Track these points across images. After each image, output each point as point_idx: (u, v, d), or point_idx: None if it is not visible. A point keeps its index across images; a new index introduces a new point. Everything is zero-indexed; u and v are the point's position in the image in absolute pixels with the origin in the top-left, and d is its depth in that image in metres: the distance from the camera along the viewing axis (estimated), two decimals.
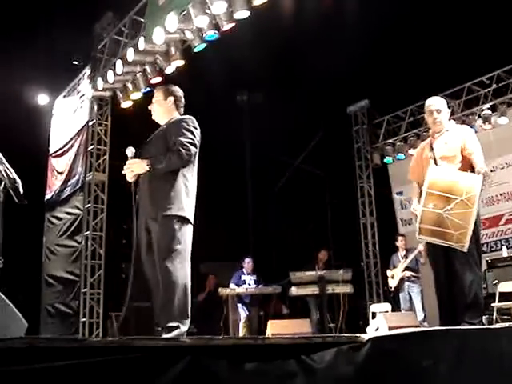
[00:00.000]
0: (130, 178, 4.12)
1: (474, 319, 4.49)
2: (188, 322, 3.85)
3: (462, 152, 4.65)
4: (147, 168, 3.97)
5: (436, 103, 4.93)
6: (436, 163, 4.68)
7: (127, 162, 4.09)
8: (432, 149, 4.82)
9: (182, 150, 3.94)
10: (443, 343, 3.16)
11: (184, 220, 3.97)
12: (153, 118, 4.40)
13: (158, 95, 4.38)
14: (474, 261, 4.61)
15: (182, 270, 3.88)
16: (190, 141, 4.00)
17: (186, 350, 2.06)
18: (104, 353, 1.81)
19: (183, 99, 4.41)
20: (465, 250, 4.28)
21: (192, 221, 4.05)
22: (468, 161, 4.60)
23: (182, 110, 4.38)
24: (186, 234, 3.98)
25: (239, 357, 2.21)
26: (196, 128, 4.12)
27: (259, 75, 10.58)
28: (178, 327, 3.70)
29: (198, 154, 4.15)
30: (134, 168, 4.05)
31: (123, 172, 4.16)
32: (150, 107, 4.40)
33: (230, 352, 2.19)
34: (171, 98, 4.32)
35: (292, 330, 7.15)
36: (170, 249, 3.85)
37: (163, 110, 4.33)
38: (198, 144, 4.08)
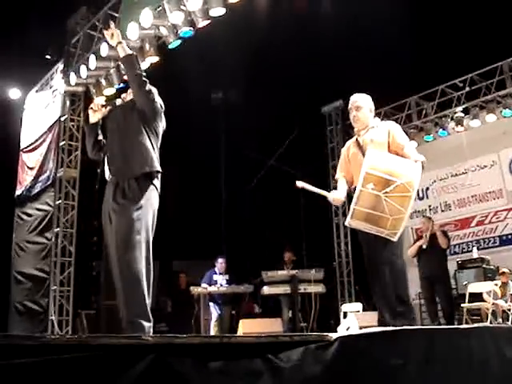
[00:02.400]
0: (94, 117, 4.22)
1: (408, 314, 4.39)
2: (150, 317, 3.72)
3: (388, 147, 4.53)
4: (127, 50, 4.12)
5: (355, 100, 4.80)
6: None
7: None
8: (359, 144, 4.72)
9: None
10: (411, 342, 3.17)
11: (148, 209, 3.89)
12: None
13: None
14: (400, 251, 4.54)
15: (142, 262, 3.73)
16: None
17: (149, 348, 2.01)
18: (62, 351, 1.76)
19: None
20: (395, 239, 4.16)
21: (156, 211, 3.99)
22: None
23: None
24: (149, 225, 3.87)
25: (204, 356, 2.18)
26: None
27: (234, 74, 10.55)
28: (140, 323, 3.61)
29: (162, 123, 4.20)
30: (114, 37, 4.17)
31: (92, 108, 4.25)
32: (122, 96, 4.38)
33: (195, 351, 2.15)
34: None
35: (263, 329, 7.14)
36: (129, 240, 3.73)
37: None
38: (159, 100, 4.15)
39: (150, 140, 4.03)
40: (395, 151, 4.47)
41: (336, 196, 4.76)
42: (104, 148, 4.19)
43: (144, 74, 4.07)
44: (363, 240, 4.66)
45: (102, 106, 4.25)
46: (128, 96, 4.31)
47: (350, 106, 4.82)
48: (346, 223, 4.30)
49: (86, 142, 4.31)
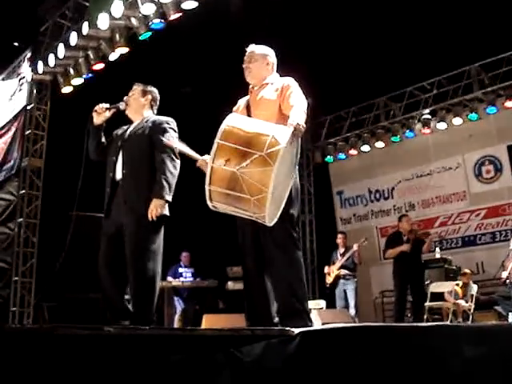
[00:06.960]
0: (98, 120, 4.26)
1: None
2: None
3: (280, 108, 3.81)
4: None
5: (250, 50, 4.11)
6: None
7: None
8: (248, 105, 4.00)
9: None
10: (373, 339, 3.19)
11: (163, 217, 4.12)
12: (126, 112, 4.43)
13: (136, 91, 4.46)
14: (294, 246, 3.77)
15: (156, 268, 4.12)
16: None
17: (111, 339, 2.01)
18: (22, 340, 1.74)
19: (158, 102, 4.55)
20: (268, 223, 3.37)
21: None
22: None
23: (155, 110, 4.51)
24: (162, 232, 4.17)
25: (166, 348, 2.18)
26: (175, 131, 4.29)
27: (205, 68, 10.49)
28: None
29: None
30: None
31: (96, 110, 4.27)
32: (125, 99, 4.43)
33: (157, 343, 2.15)
34: (148, 97, 4.45)
35: (227, 325, 7.11)
36: (146, 248, 4.02)
37: (138, 107, 4.41)
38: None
39: None
40: (285, 113, 3.72)
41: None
42: (106, 150, 4.32)
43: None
44: (240, 230, 3.96)
45: (106, 109, 4.28)
46: (131, 100, 4.39)
47: (245, 57, 4.10)
48: (210, 206, 3.42)
49: (88, 143, 4.34)
